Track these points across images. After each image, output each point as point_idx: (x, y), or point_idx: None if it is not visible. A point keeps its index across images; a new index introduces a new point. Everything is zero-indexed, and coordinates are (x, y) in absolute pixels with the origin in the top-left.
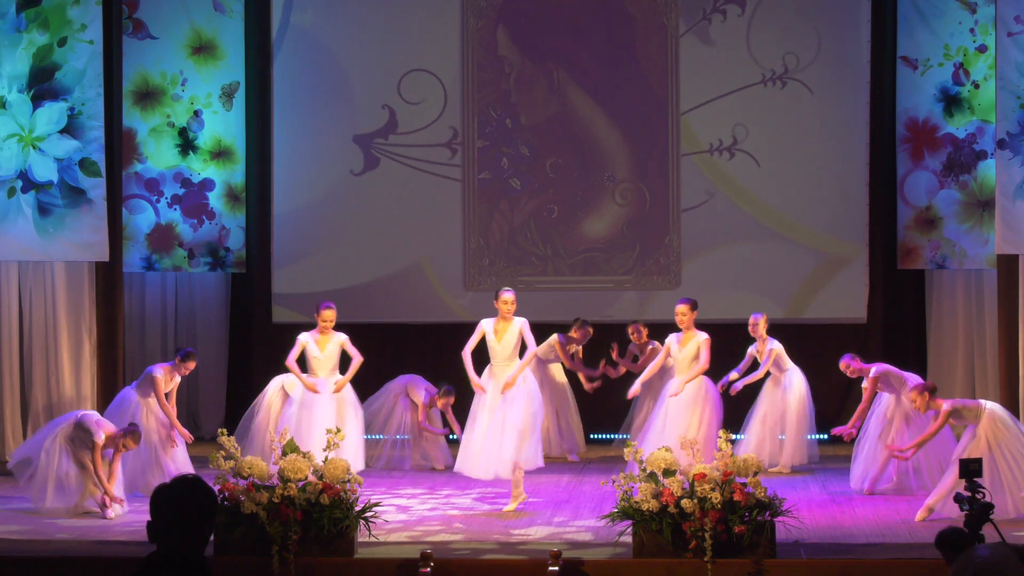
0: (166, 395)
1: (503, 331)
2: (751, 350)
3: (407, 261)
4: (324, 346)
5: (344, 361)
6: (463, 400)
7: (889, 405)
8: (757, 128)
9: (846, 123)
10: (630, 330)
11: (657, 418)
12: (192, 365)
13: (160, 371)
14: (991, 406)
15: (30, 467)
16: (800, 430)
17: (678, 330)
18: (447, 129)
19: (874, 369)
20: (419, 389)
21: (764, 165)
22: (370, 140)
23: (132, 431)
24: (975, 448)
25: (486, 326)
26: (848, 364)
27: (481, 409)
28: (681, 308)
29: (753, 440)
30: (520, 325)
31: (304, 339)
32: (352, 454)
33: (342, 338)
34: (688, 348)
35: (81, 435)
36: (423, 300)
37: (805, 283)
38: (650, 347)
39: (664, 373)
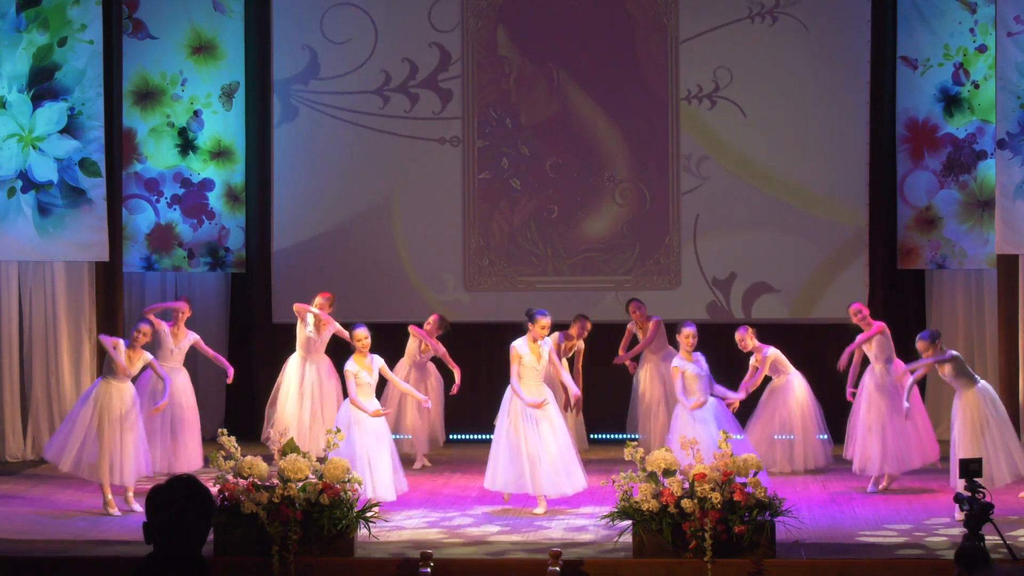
0: (191, 350)
1: (538, 352)
2: (752, 362)
3: (408, 261)
4: (371, 370)
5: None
6: (478, 412)
7: (867, 381)
8: (744, 75)
9: (846, 123)
10: (631, 308)
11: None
12: (181, 305)
13: (165, 327)
14: (985, 383)
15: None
16: (809, 432)
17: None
18: (453, 124)
19: (876, 325)
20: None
21: (755, 130)
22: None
23: (141, 322)
24: (963, 425)
25: (522, 349)
26: (860, 309)
27: (529, 426)
28: (689, 331)
29: (751, 442)
30: (548, 346)
31: (353, 369)
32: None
33: (381, 362)
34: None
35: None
36: (423, 300)
37: (806, 284)
38: (652, 321)
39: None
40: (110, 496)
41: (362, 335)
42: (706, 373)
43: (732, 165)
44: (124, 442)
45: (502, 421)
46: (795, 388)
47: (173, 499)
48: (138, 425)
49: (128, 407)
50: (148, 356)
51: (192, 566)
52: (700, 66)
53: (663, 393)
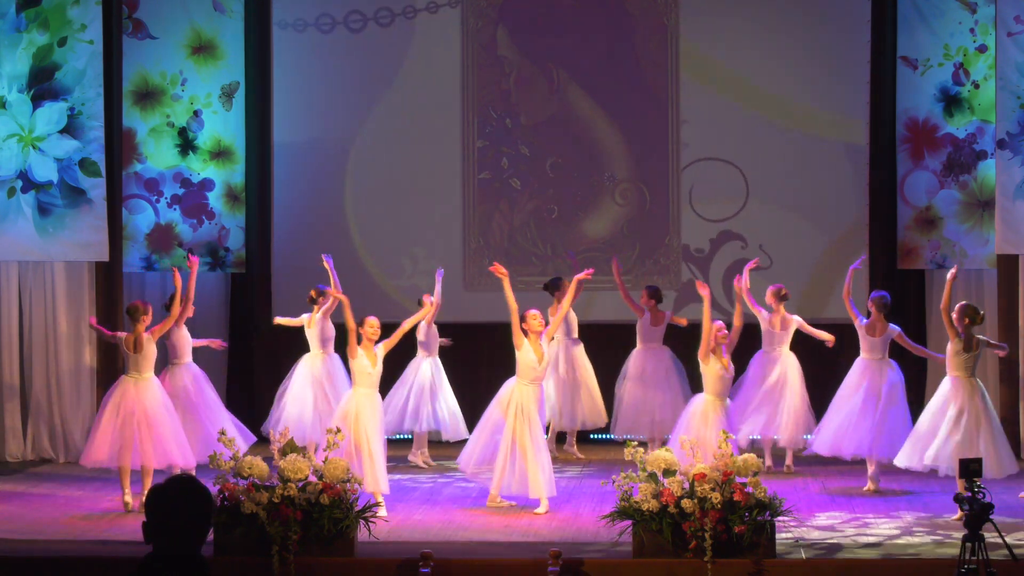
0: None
1: (540, 352)
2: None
3: (407, 260)
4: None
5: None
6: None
7: (859, 369)
8: (743, 75)
9: (846, 123)
10: (646, 293)
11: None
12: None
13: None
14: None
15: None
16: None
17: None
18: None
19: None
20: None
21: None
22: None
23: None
24: (950, 394)
25: (525, 348)
26: (885, 300)
27: (521, 423)
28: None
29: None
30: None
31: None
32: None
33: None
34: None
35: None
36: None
37: (805, 284)
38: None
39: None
40: (128, 493)
41: (374, 322)
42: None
43: (731, 164)
44: (154, 428)
45: (494, 409)
46: (793, 364)
47: (172, 499)
48: (167, 414)
49: (153, 398)
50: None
51: (192, 566)
52: (700, 66)
53: (651, 384)
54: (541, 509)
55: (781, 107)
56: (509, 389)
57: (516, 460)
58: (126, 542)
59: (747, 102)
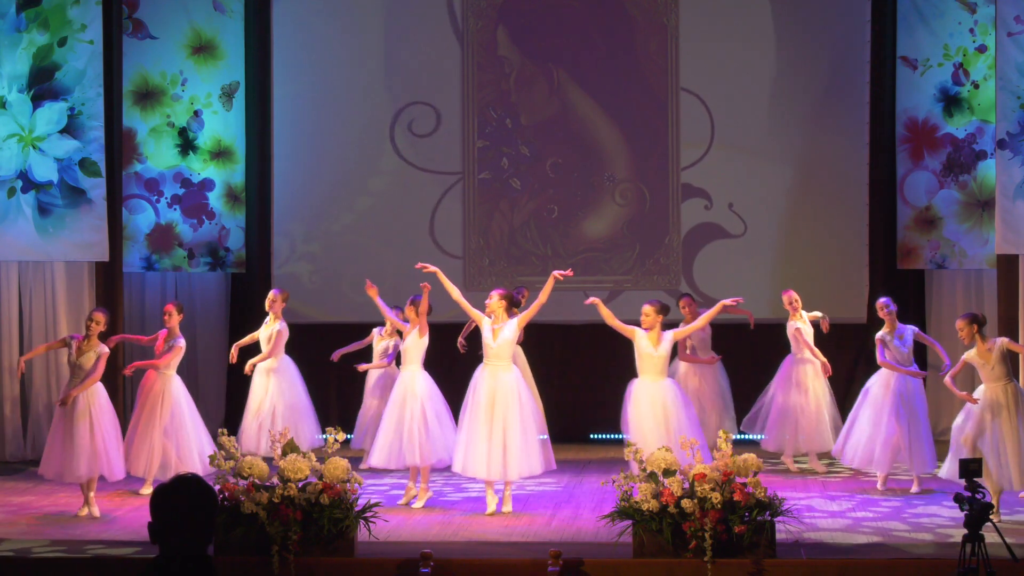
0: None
1: (492, 330)
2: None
3: (406, 260)
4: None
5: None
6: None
7: (884, 381)
8: (743, 74)
9: (846, 123)
10: (684, 302)
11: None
12: (170, 310)
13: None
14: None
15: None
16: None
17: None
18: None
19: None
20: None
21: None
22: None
23: (95, 311)
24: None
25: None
26: (888, 306)
27: (487, 410)
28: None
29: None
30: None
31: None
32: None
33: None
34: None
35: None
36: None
37: (805, 284)
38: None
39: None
40: (91, 495)
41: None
42: None
43: (731, 164)
44: (99, 439)
45: (466, 403)
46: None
47: (178, 498)
48: (111, 422)
49: (96, 404)
50: (102, 348)
51: (201, 566)
52: (700, 66)
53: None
54: (506, 508)
55: (780, 107)
56: (476, 376)
57: (479, 444)
58: (126, 542)
59: (746, 102)
